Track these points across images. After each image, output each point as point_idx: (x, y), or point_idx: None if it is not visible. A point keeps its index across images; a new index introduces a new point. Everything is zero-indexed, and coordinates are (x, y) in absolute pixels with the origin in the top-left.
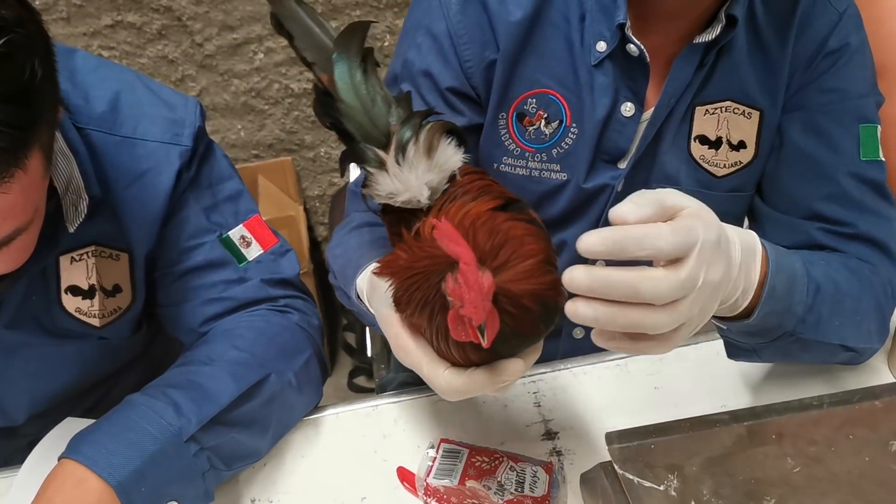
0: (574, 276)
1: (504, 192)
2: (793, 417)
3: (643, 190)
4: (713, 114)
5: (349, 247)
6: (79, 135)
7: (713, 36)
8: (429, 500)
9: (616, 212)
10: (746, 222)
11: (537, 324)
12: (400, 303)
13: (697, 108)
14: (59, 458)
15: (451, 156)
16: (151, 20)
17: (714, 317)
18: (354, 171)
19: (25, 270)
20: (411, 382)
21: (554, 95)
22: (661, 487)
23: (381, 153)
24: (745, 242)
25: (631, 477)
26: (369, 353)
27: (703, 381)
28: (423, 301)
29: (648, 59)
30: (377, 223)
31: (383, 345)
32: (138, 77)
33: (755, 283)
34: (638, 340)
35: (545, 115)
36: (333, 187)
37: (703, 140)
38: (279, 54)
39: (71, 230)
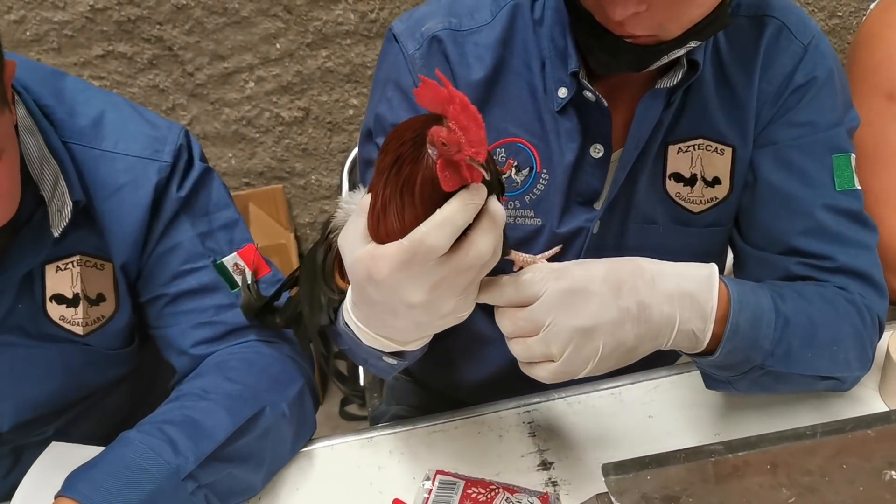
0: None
1: None
2: (787, 447)
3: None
4: (686, 151)
5: None
6: (63, 147)
7: (675, 81)
8: None
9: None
10: (731, 257)
11: (494, 170)
12: (374, 185)
13: (670, 146)
14: (56, 496)
15: None
16: (142, 50)
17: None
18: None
19: (10, 273)
20: (404, 416)
21: (522, 143)
22: None
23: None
24: (691, 287)
25: None
26: (361, 383)
27: (697, 409)
28: (392, 162)
29: (606, 105)
30: None
31: (374, 375)
32: (126, 102)
33: (707, 321)
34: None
35: (515, 164)
36: (324, 214)
37: (678, 178)
38: (270, 83)
39: (56, 234)
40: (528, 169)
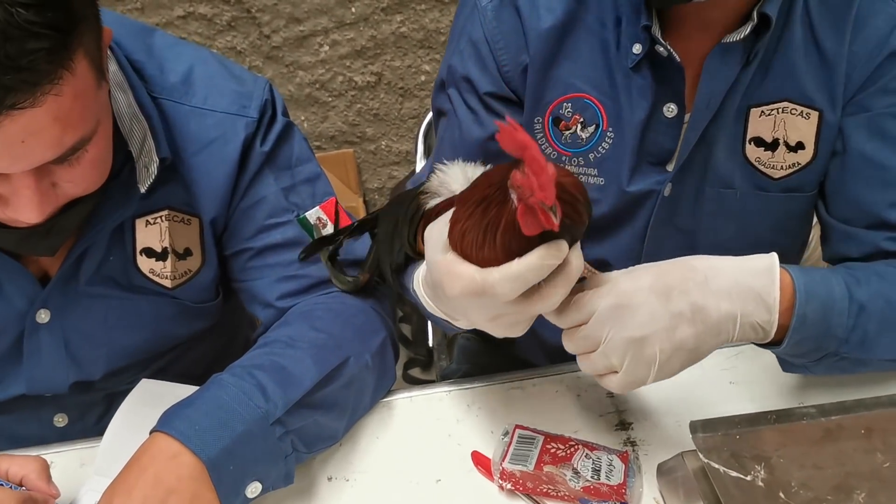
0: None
1: None
2: (882, 412)
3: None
4: (769, 115)
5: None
6: (153, 103)
7: (742, 36)
8: (504, 484)
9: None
10: (816, 232)
11: (583, 212)
12: (458, 213)
13: (752, 109)
14: (151, 432)
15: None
16: (222, 11)
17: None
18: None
19: (102, 226)
20: (473, 374)
21: (590, 100)
22: (749, 478)
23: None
24: (750, 281)
25: (717, 466)
26: (430, 344)
27: (779, 378)
28: (479, 201)
29: (679, 60)
30: None
31: (444, 335)
32: (213, 55)
33: (771, 313)
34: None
35: (581, 120)
36: (393, 180)
37: (759, 142)
38: (344, 47)
39: (142, 190)
40: (593, 126)
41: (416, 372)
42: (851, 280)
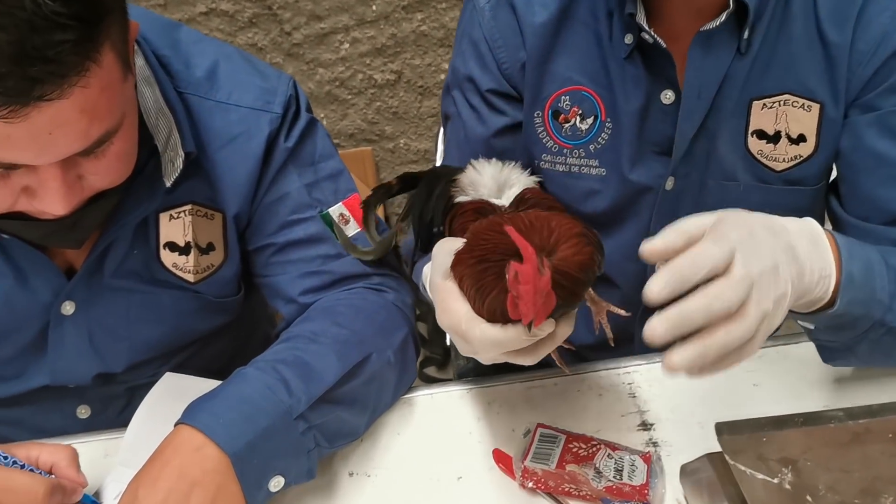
0: (654, 331)
1: (565, 212)
2: None
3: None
4: (771, 108)
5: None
6: (178, 97)
7: (718, 23)
8: (526, 482)
9: (649, 245)
10: (828, 225)
11: (581, 290)
12: (463, 257)
13: (754, 102)
14: (176, 424)
15: (521, 175)
16: (244, 8)
17: (800, 320)
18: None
19: (126, 220)
20: (490, 373)
21: (587, 92)
22: (776, 480)
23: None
24: (805, 229)
25: (743, 468)
26: (448, 342)
27: (803, 381)
28: (482, 267)
29: (665, 46)
30: None
31: None
32: (237, 50)
33: (831, 264)
34: (724, 358)
35: (580, 112)
36: None
37: (761, 135)
38: (364, 45)
39: (168, 184)
40: (592, 117)
41: (431, 371)
42: (881, 250)
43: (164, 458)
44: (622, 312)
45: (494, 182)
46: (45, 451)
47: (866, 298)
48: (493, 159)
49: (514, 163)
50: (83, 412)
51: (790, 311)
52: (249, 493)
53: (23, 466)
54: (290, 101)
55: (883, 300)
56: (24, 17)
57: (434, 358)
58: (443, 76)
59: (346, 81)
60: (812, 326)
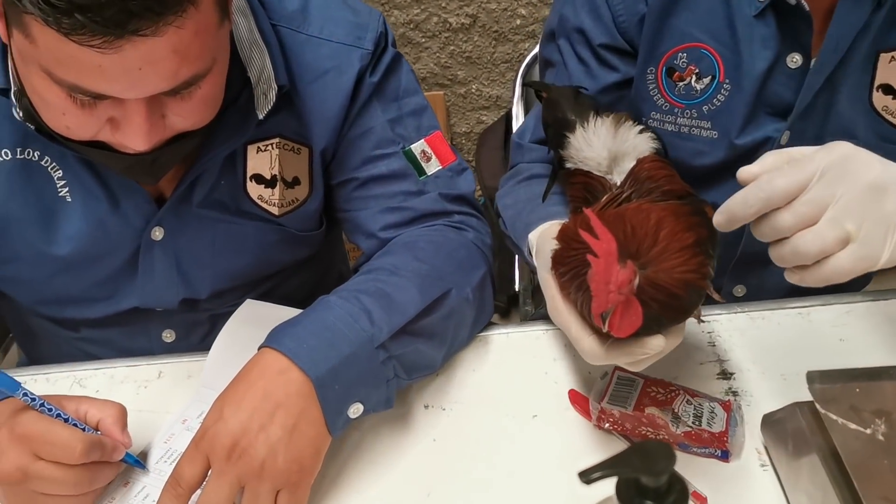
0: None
1: (684, 186)
2: None
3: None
4: None
5: (518, 198)
6: (272, 30)
7: None
8: (603, 423)
9: (746, 169)
10: None
11: (686, 308)
12: (557, 264)
13: (882, 55)
14: (260, 347)
15: (636, 138)
16: None
17: None
18: (517, 124)
19: (217, 151)
20: None
21: (707, 50)
22: (868, 431)
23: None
24: None
25: (835, 417)
26: (517, 288)
27: (891, 337)
28: (573, 272)
29: (807, 8)
30: (543, 175)
31: (530, 280)
32: None
33: None
34: (807, 269)
35: (696, 71)
36: (481, 125)
37: (888, 89)
38: None
39: (260, 116)
40: (709, 77)
41: (495, 318)
42: None
43: (249, 380)
44: (717, 296)
45: (607, 151)
46: (94, 407)
47: None
48: (608, 117)
49: (630, 122)
50: (168, 336)
51: None
52: (330, 417)
53: (67, 420)
54: (381, 38)
55: None
56: None
57: (498, 306)
58: (518, 21)
59: (421, 24)
60: None
